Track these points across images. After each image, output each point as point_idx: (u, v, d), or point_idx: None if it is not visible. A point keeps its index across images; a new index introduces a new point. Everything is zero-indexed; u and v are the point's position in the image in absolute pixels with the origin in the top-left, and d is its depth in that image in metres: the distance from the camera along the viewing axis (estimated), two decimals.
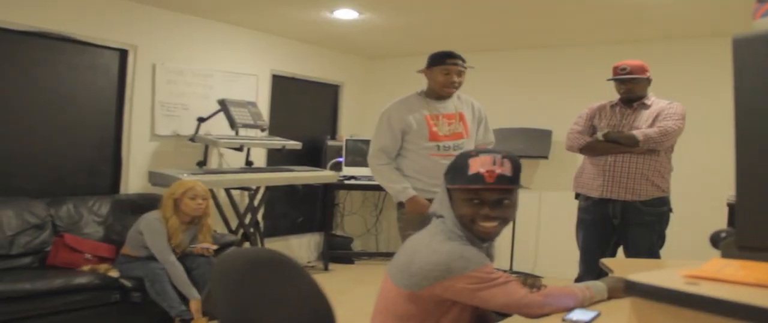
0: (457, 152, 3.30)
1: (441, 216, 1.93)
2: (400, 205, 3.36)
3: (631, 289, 1.00)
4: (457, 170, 1.87)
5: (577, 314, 1.68)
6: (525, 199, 3.40)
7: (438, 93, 3.37)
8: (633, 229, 3.52)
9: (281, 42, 6.06)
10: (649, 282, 0.97)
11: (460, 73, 3.33)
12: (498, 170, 1.82)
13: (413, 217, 3.21)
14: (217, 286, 1.84)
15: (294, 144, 5.40)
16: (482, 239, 1.89)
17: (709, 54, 5.08)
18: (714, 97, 4.83)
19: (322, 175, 5.75)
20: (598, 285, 1.85)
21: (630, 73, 3.52)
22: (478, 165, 1.82)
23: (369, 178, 6.14)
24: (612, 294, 1.85)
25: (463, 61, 3.35)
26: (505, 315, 1.81)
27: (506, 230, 2.02)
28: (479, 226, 1.85)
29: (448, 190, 1.91)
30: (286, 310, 1.94)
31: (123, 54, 4.82)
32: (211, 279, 1.92)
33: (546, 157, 5.74)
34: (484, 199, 1.83)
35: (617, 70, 3.57)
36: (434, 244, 1.81)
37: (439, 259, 1.75)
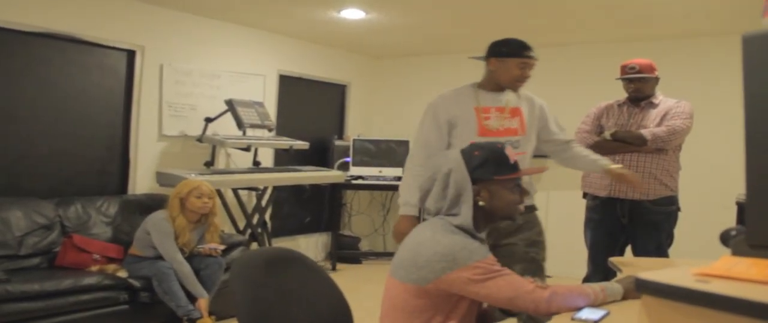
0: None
1: (452, 214, 1.89)
2: None
3: (642, 287, 1.00)
4: (500, 162, 1.94)
5: (586, 313, 1.67)
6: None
7: (504, 86, 2.97)
8: (641, 228, 3.50)
9: (288, 42, 6.07)
10: (659, 280, 0.97)
11: (531, 68, 2.96)
12: None
13: None
14: (235, 285, 1.84)
15: (301, 144, 5.40)
16: (512, 219, 2.00)
17: (718, 52, 5.05)
18: (723, 95, 4.81)
19: (330, 175, 5.76)
20: (613, 287, 1.82)
21: (639, 71, 3.50)
22: (512, 154, 1.97)
23: (376, 178, 6.15)
24: (627, 295, 1.82)
25: None
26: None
27: None
28: (519, 208, 1.97)
29: (482, 182, 1.90)
30: (303, 309, 1.95)
31: (130, 55, 4.84)
32: (229, 277, 1.94)
33: None
34: (518, 182, 1.99)
35: (625, 69, 3.56)
36: (437, 236, 1.81)
37: (445, 250, 1.76)
